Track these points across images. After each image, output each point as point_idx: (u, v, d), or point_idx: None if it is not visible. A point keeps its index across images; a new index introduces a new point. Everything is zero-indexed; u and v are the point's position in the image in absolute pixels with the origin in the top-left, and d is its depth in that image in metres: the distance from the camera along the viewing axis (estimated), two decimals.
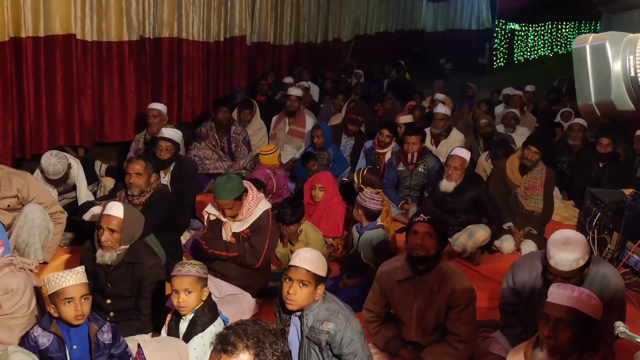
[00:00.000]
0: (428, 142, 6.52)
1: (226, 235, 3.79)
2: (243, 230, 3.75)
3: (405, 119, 6.83)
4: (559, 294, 2.33)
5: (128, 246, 3.21)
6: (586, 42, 0.79)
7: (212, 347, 1.76)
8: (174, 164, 4.83)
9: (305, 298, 2.61)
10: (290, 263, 2.66)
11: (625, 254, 4.37)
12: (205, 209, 3.89)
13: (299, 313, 2.68)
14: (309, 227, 4.19)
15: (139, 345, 2.67)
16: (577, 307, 2.27)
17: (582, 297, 2.28)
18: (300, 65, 10.25)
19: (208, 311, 2.88)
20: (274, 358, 1.75)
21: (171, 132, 4.90)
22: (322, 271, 2.65)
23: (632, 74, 0.74)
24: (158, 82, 7.00)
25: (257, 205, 3.75)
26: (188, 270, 2.82)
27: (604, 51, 0.75)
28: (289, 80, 8.84)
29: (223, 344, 1.74)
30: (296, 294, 2.58)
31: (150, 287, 3.23)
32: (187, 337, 2.84)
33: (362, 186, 4.52)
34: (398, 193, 5.68)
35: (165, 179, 4.73)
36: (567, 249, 2.74)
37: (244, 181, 3.86)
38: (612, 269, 3.05)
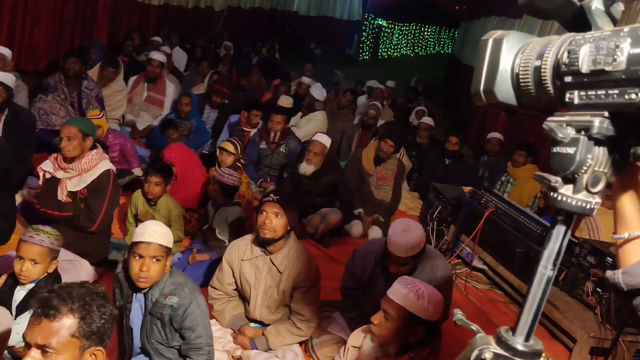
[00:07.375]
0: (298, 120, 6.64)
1: (62, 195, 3.53)
2: (80, 190, 3.52)
3: (284, 102, 6.77)
4: (397, 291, 2.50)
5: None
6: (491, 36, 0.86)
7: (32, 311, 1.61)
8: (7, 113, 4.35)
9: (159, 273, 2.50)
10: (139, 239, 2.49)
11: (459, 245, 4.77)
12: (40, 166, 3.61)
13: (145, 290, 2.55)
14: (171, 202, 4.06)
15: None
16: (407, 307, 2.45)
17: (418, 302, 2.44)
18: (168, 27, 9.75)
19: (52, 284, 2.63)
20: (102, 321, 1.66)
21: (2, 75, 4.34)
22: (171, 243, 2.58)
23: (517, 70, 0.82)
24: None
25: (98, 163, 3.54)
26: (41, 239, 2.59)
27: (500, 45, 0.83)
28: (157, 39, 8.37)
29: (44, 307, 1.60)
30: (150, 271, 2.46)
31: None
32: (23, 308, 2.60)
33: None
34: (258, 171, 5.67)
35: None
36: (405, 236, 2.92)
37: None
38: (442, 261, 3.28)
